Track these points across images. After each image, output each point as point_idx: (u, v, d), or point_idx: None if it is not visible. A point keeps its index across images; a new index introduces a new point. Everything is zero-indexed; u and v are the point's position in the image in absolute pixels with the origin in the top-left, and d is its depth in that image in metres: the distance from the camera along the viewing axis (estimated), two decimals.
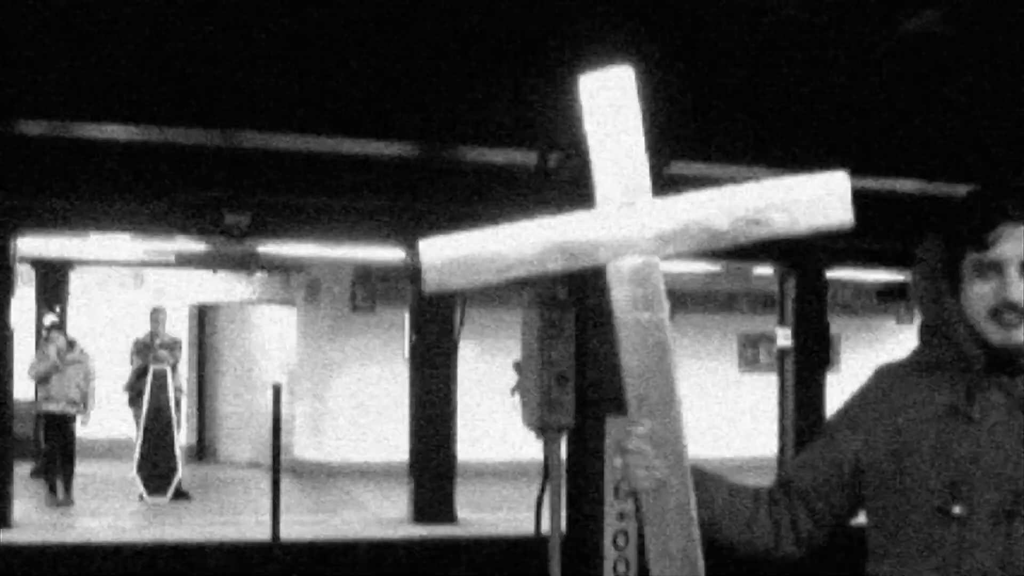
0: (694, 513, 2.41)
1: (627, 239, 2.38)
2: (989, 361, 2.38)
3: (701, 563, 2.42)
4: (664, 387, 2.41)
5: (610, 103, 2.40)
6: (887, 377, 2.54)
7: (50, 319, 14.21)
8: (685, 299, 18.93)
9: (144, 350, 13.88)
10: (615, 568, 7.17)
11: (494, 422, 14.92)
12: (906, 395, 2.46)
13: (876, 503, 2.45)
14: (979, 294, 2.36)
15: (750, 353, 19.50)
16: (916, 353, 2.52)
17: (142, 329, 14.25)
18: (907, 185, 9.04)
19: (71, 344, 13.48)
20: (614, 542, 7.10)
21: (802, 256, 12.57)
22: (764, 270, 14.70)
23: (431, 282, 2.41)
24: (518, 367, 7.86)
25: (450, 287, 2.45)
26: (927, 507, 2.35)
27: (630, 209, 2.38)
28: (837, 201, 2.35)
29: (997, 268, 2.34)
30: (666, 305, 2.43)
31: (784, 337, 13.61)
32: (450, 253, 2.42)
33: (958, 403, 2.38)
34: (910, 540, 2.37)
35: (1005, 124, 8.64)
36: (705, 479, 2.53)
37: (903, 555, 2.39)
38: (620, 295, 2.40)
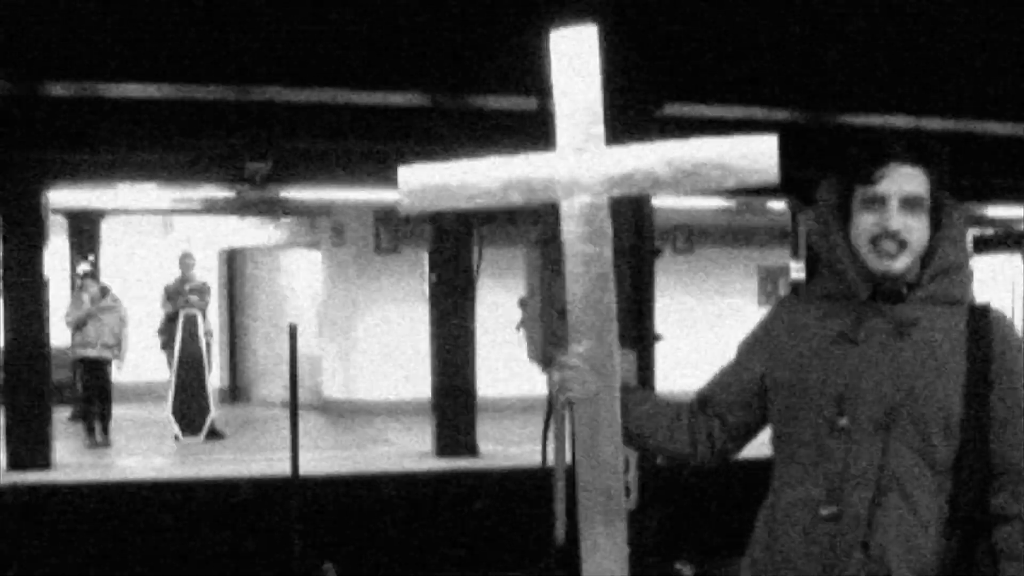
0: (619, 424, 2.79)
1: (579, 180, 2.72)
2: (873, 290, 2.70)
3: (622, 467, 2.81)
4: (603, 312, 2.76)
5: (574, 58, 2.73)
6: (788, 306, 2.90)
7: (84, 268, 14.63)
8: (704, 234, 19.21)
9: (174, 295, 14.27)
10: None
11: (515, 358, 15.20)
12: (803, 322, 2.80)
13: (777, 417, 2.81)
14: (864, 224, 2.67)
15: (770, 286, 19.72)
16: (812, 284, 2.86)
17: (172, 275, 14.64)
18: (899, 121, 9.27)
19: (104, 291, 13.89)
20: None
21: (811, 190, 12.79)
22: (778, 204, 14.93)
23: (406, 204, 2.77)
24: (522, 303, 8.17)
25: (423, 209, 2.81)
26: (819, 420, 2.69)
27: (584, 154, 2.72)
28: (766, 160, 2.69)
29: (881, 201, 2.65)
30: (610, 241, 2.75)
31: (797, 270, 13.89)
32: (425, 180, 2.78)
33: (846, 328, 2.71)
34: (805, 449, 2.72)
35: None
36: (633, 394, 2.90)
37: (799, 462, 2.74)
38: (570, 230, 2.74)
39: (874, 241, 2.67)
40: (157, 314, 14.62)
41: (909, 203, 2.66)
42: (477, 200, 2.76)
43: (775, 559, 2.76)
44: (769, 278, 19.65)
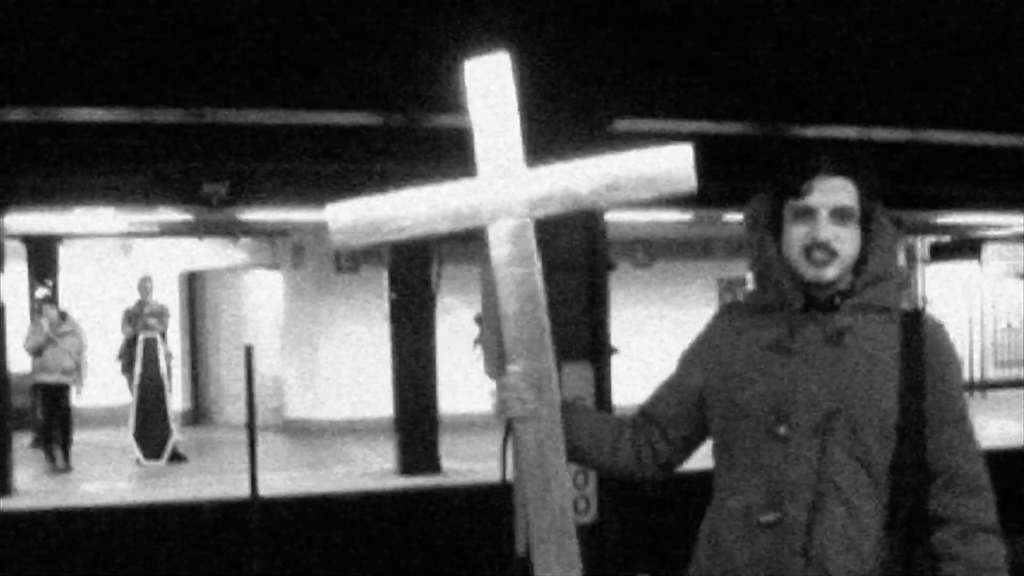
0: (562, 440, 2.83)
1: (503, 204, 2.77)
2: (807, 300, 2.76)
3: (569, 485, 2.84)
4: (536, 331, 2.80)
5: (489, 86, 2.77)
6: (724, 318, 2.95)
7: (42, 293, 14.58)
8: (663, 247, 19.31)
9: (134, 319, 14.23)
10: (576, 506, 7.58)
11: (476, 374, 15.28)
12: (739, 333, 2.85)
13: (717, 427, 2.86)
14: (796, 236, 2.73)
15: (729, 297, 19.80)
16: (749, 296, 2.92)
17: (132, 298, 14.60)
18: (850, 132, 9.38)
19: (63, 316, 13.84)
20: (574, 480, 7.53)
21: None
22: (736, 216, 15.02)
23: (337, 241, 2.81)
24: (479, 320, 8.24)
25: (353, 245, 2.85)
26: (757, 429, 2.74)
27: (505, 178, 2.76)
28: (683, 171, 2.74)
29: (811, 213, 2.71)
30: (538, 261, 2.79)
31: (753, 281, 13.96)
32: (354, 215, 2.82)
33: (781, 338, 2.77)
34: (744, 457, 2.77)
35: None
36: (573, 411, 2.94)
37: (739, 470, 2.79)
38: (499, 252, 2.79)
39: (806, 251, 2.72)
40: (117, 338, 14.57)
41: (838, 214, 2.71)
42: (406, 232, 2.80)
43: (718, 567, 2.79)
44: (729, 289, 19.76)
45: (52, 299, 14.24)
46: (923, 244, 20.95)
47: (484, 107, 2.77)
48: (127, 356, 14.25)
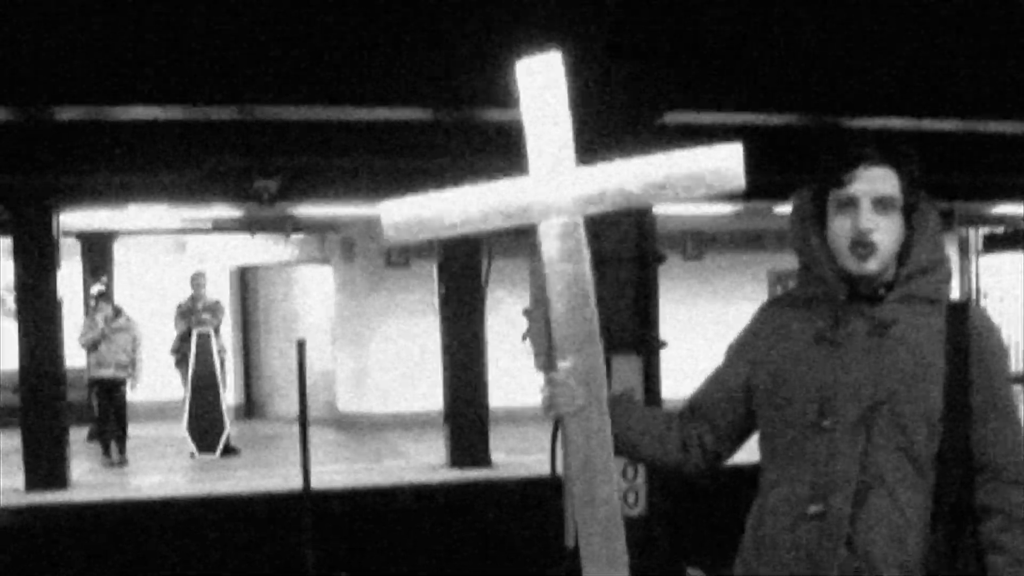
0: (610, 436, 2.85)
1: (554, 203, 2.79)
2: (851, 292, 2.77)
3: (616, 480, 2.86)
4: (586, 327, 2.82)
5: (541, 85, 2.80)
6: (770, 310, 2.96)
7: (97, 289, 14.73)
8: (713, 239, 19.24)
9: (187, 314, 14.38)
10: (625, 498, 7.62)
11: (526, 367, 15.24)
12: (785, 325, 2.86)
13: (763, 419, 2.87)
14: (840, 229, 2.74)
15: (780, 289, 19.65)
16: (794, 288, 2.92)
17: (185, 294, 14.74)
18: (903, 123, 9.30)
19: (117, 312, 13.99)
20: (624, 474, 7.54)
21: None
22: (784, 208, 14.95)
23: (391, 236, 2.85)
24: (527, 313, 8.26)
25: (406, 241, 2.90)
26: (802, 421, 2.76)
27: (556, 177, 2.79)
28: (732, 169, 2.75)
29: (853, 203, 2.71)
30: (587, 258, 2.82)
31: (798, 273, 13.89)
32: (407, 213, 2.86)
33: (826, 330, 2.78)
34: (789, 449, 2.79)
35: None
36: (622, 405, 2.96)
37: (784, 462, 2.80)
38: (549, 250, 2.81)
39: (852, 245, 2.72)
40: (171, 333, 14.71)
41: (881, 204, 2.71)
42: (458, 228, 2.84)
43: (764, 559, 2.81)
44: (779, 282, 19.62)
45: (107, 295, 14.39)
46: (977, 235, 20.76)
47: (536, 106, 2.79)
48: (180, 351, 14.40)
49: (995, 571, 2.69)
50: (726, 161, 2.75)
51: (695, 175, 2.77)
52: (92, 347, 13.69)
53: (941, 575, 2.67)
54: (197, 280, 14.62)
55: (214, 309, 14.50)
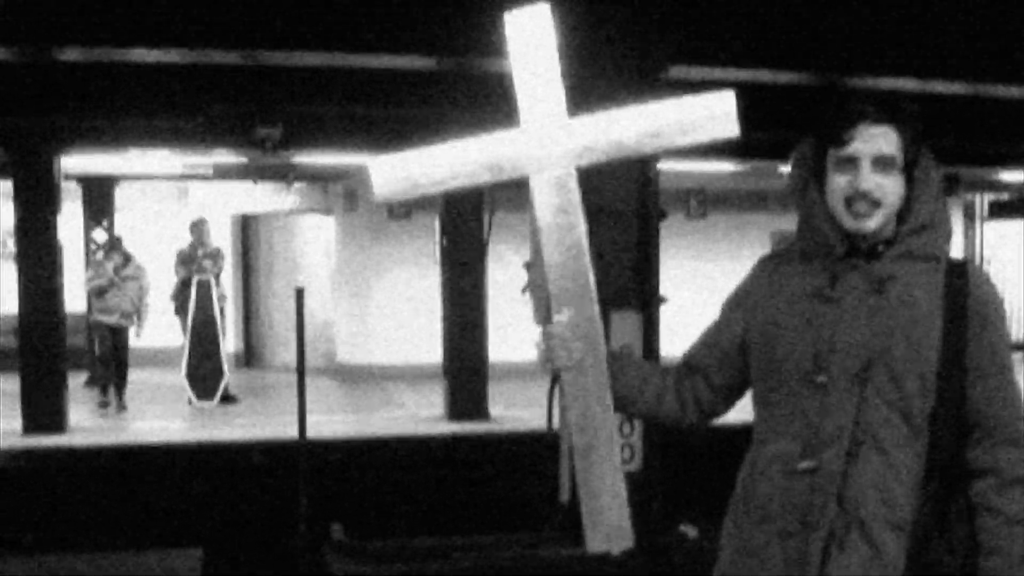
0: (608, 389, 2.82)
1: (545, 154, 2.76)
2: (849, 247, 2.73)
3: (616, 434, 2.84)
4: (581, 280, 2.79)
5: (530, 37, 2.76)
6: (767, 265, 2.92)
7: (108, 236, 14.65)
8: (717, 198, 19.19)
9: (188, 261, 14.33)
10: (621, 453, 7.61)
11: (526, 321, 15.19)
12: (781, 280, 2.82)
13: (757, 375, 2.84)
14: (838, 185, 2.70)
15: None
16: (792, 243, 2.88)
17: (186, 240, 14.70)
18: (909, 84, 9.23)
19: (127, 260, 13.96)
20: (620, 429, 7.51)
21: None
22: (788, 167, 14.86)
23: (379, 194, 2.81)
24: (528, 267, 8.23)
25: (396, 198, 2.86)
26: (796, 377, 2.73)
27: (547, 129, 2.75)
28: (724, 117, 2.73)
29: (853, 162, 2.67)
30: (581, 210, 2.79)
31: (797, 228, 13.83)
32: (396, 168, 2.81)
33: (822, 285, 2.74)
34: (783, 404, 2.75)
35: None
36: (619, 360, 2.92)
37: (778, 417, 2.77)
38: (542, 203, 2.78)
39: (848, 201, 2.68)
40: (172, 280, 14.68)
41: (881, 163, 2.66)
42: (448, 184, 2.81)
43: (754, 514, 2.79)
44: (783, 242, 19.47)
45: (118, 242, 14.32)
46: (982, 201, 20.69)
47: (525, 58, 2.76)
48: (180, 298, 14.37)
49: (986, 532, 2.67)
50: (719, 109, 2.73)
51: (688, 123, 2.75)
52: (99, 293, 13.65)
53: (931, 534, 2.66)
54: (198, 227, 14.57)
55: (215, 256, 14.46)
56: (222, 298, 14.55)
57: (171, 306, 14.68)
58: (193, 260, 14.31)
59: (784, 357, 2.75)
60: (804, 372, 2.72)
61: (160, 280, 15.13)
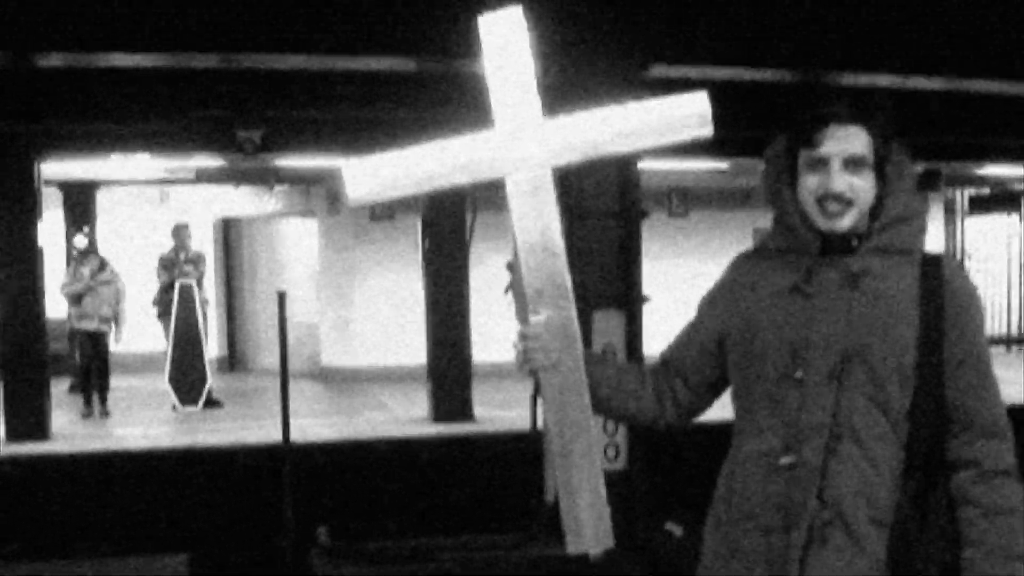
0: (586, 389, 2.82)
1: (520, 155, 2.75)
2: (823, 244, 2.74)
3: (594, 433, 2.84)
4: (558, 281, 2.79)
5: (503, 40, 2.77)
6: (742, 263, 2.93)
7: (83, 242, 14.64)
8: (698, 196, 19.22)
9: (170, 265, 14.33)
10: (605, 453, 7.63)
11: (511, 322, 15.14)
12: (757, 277, 2.83)
13: (735, 371, 2.85)
14: (809, 186, 2.71)
15: None
16: (767, 240, 2.89)
17: (168, 245, 14.68)
18: (889, 80, 9.26)
19: (103, 265, 13.93)
20: (604, 428, 7.54)
21: None
22: None
23: (353, 197, 2.81)
24: (510, 267, 8.25)
25: (369, 200, 2.85)
26: (774, 373, 2.73)
27: (522, 129, 2.75)
28: (697, 118, 2.74)
29: (824, 163, 2.68)
30: (557, 211, 2.78)
31: (771, 225, 13.86)
32: (369, 171, 2.81)
33: (798, 281, 2.75)
34: (762, 401, 2.76)
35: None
36: (595, 361, 2.92)
37: (757, 414, 2.78)
38: (517, 204, 2.78)
39: (820, 201, 2.70)
40: (153, 284, 14.66)
41: (851, 163, 2.68)
42: (423, 185, 2.81)
43: (736, 511, 2.79)
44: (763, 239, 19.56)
45: (94, 247, 14.30)
46: (963, 196, 20.76)
47: (499, 61, 2.76)
48: (163, 303, 14.35)
49: (967, 524, 2.67)
50: (694, 108, 2.74)
51: (663, 123, 2.76)
52: (75, 299, 13.63)
53: (912, 527, 2.67)
54: (180, 232, 14.57)
55: (196, 261, 14.46)
56: (205, 302, 14.52)
57: (153, 311, 14.65)
58: (175, 264, 14.30)
59: (761, 353, 2.76)
60: (782, 368, 2.73)
61: (141, 285, 15.12)
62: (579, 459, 2.82)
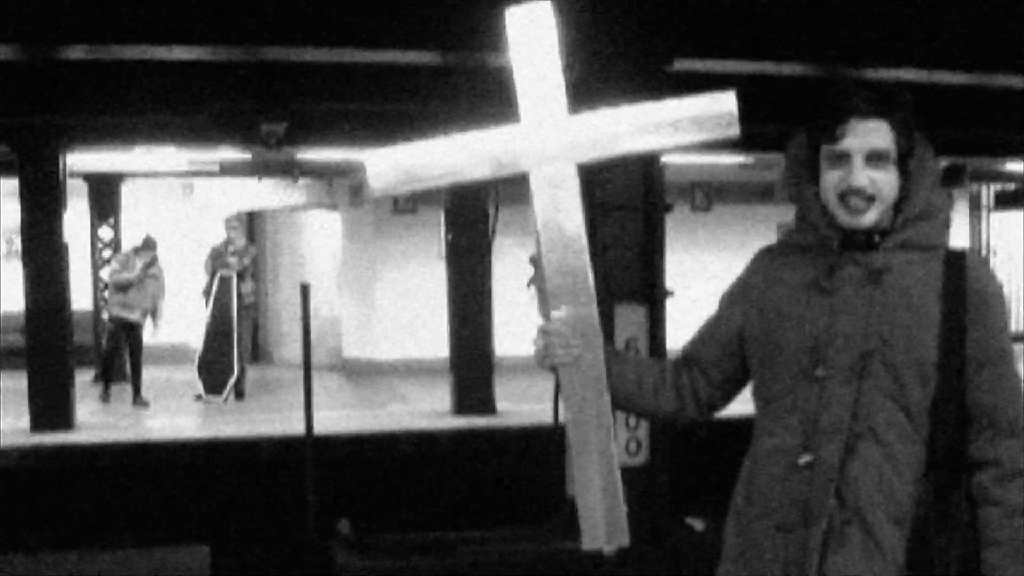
0: (605, 386, 2.81)
1: (545, 150, 2.75)
2: (844, 240, 2.71)
3: (612, 430, 2.83)
4: (579, 277, 2.78)
5: (530, 34, 2.76)
6: (763, 258, 2.90)
7: (145, 236, 14.65)
8: (722, 190, 19.16)
9: (216, 256, 14.40)
10: (627, 447, 7.61)
11: (533, 315, 15.21)
12: (779, 273, 2.81)
13: (756, 368, 2.83)
14: (831, 181, 2.68)
15: None
16: (789, 236, 2.88)
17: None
18: (914, 75, 9.20)
19: (154, 260, 14.05)
20: (626, 423, 7.52)
21: None
22: None
23: (376, 188, 2.81)
24: (533, 261, 8.23)
25: (394, 192, 2.85)
26: (794, 370, 2.71)
27: (547, 124, 2.75)
28: (726, 117, 2.72)
29: (846, 158, 2.65)
30: (580, 207, 2.78)
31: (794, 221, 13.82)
32: (393, 162, 2.81)
33: (819, 278, 2.72)
34: (782, 397, 2.74)
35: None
36: (616, 357, 2.92)
37: (777, 411, 2.76)
38: (540, 198, 2.77)
39: (842, 197, 2.67)
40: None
41: (873, 157, 2.64)
42: (446, 178, 2.80)
43: (755, 508, 2.78)
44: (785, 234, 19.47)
45: (153, 243, 14.36)
46: (988, 192, 20.62)
47: (525, 54, 2.76)
48: (209, 293, 14.40)
49: (987, 524, 2.65)
50: (722, 107, 2.73)
51: (689, 122, 2.75)
52: (123, 288, 13.70)
53: (931, 526, 2.65)
54: (229, 223, 14.67)
55: (241, 253, 14.47)
56: (247, 295, 14.51)
57: (187, 303, 14.73)
58: (221, 256, 14.35)
59: (782, 350, 2.74)
60: (802, 365, 2.71)
61: (169, 277, 15.17)
62: (596, 456, 2.82)
